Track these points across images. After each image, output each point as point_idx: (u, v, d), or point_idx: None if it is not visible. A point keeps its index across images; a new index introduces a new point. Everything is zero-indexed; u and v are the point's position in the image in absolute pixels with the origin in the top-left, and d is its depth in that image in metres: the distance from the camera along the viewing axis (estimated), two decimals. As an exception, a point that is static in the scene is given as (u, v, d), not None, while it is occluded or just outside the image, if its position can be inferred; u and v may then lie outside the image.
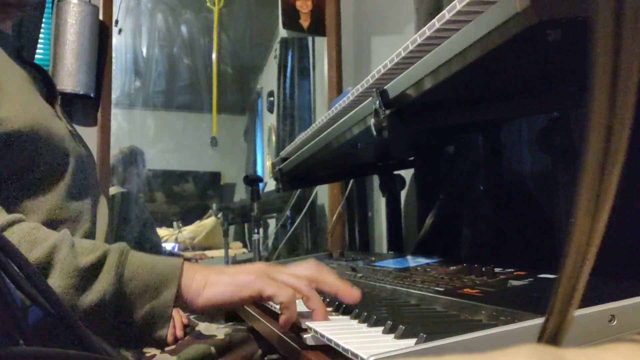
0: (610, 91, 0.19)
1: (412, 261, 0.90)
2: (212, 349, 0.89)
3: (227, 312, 1.14)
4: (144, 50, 3.88)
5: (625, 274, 0.58)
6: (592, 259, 0.21)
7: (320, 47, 2.30)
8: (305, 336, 0.52)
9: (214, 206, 3.22)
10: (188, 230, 3.43)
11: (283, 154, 1.28)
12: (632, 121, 0.20)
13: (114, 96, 1.88)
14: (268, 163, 3.35)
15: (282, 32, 2.05)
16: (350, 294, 0.60)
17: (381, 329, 0.46)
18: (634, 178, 0.55)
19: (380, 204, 1.56)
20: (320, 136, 0.95)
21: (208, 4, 3.66)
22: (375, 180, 1.51)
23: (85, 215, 0.75)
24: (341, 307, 0.61)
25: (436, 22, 0.51)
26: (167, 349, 0.89)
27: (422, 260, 0.87)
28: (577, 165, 0.20)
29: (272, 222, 2.92)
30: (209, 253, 3.09)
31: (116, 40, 3.50)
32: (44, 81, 0.81)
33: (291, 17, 1.99)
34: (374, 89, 0.68)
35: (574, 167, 0.65)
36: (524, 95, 0.67)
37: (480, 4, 0.46)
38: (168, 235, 3.41)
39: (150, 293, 0.58)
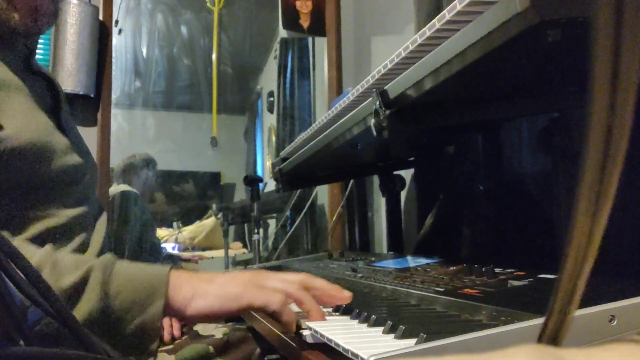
0: (610, 91, 0.19)
1: (412, 261, 0.90)
2: (211, 348, 0.88)
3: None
4: (144, 51, 3.88)
5: (625, 274, 0.58)
6: (592, 259, 0.21)
7: (320, 47, 2.30)
8: (305, 333, 0.52)
9: (214, 206, 3.22)
10: (188, 231, 3.43)
11: (283, 154, 1.28)
12: (632, 121, 0.20)
13: (114, 96, 1.88)
14: (268, 163, 3.35)
15: (282, 33, 2.05)
16: (342, 295, 0.60)
17: (381, 329, 0.46)
18: (634, 178, 0.55)
19: (380, 204, 1.56)
20: (320, 136, 0.95)
21: (208, 5, 3.66)
22: (375, 180, 1.51)
23: (82, 225, 0.75)
24: (341, 308, 0.61)
25: (436, 22, 0.51)
26: (165, 348, 0.89)
27: (422, 261, 0.87)
28: (577, 165, 0.20)
29: (272, 223, 2.92)
30: (208, 253, 3.09)
31: (116, 40, 3.50)
32: (50, 90, 0.82)
33: (291, 18, 1.99)
34: (374, 89, 0.68)
35: (574, 167, 0.65)
36: (524, 95, 0.67)
37: (481, 4, 0.46)
38: (168, 235, 3.41)
39: (137, 308, 0.57)
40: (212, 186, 4.26)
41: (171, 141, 4.00)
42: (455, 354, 0.22)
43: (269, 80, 3.40)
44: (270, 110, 3.23)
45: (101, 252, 0.76)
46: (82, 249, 0.75)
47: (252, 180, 1.70)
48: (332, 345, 0.45)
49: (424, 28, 0.53)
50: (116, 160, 2.65)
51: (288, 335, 0.59)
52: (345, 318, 0.57)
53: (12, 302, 0.39)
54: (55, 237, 0.71)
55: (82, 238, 0.74)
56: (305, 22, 2.00)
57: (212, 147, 4.09)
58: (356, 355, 0.38)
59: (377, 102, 0.66)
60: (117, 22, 3.27)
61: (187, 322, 0.65)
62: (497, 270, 0.63)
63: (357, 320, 0.53)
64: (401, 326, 0.43)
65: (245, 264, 2.11)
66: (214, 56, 3.80)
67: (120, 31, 3.59)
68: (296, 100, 2.74)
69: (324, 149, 0.95)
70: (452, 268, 0.71)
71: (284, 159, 1.26)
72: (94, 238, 0.79)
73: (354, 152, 1.00)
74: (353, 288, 0.67)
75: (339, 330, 0.49)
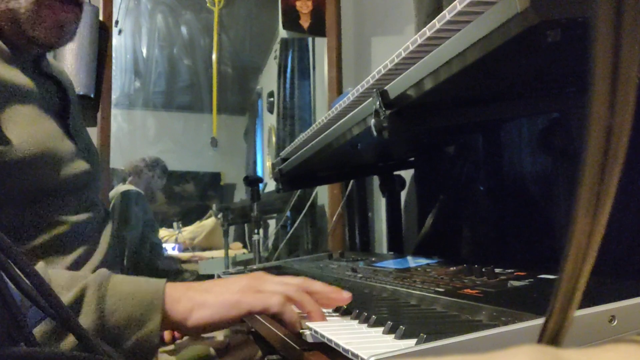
0: (610, 91, 0.19)
1: (412, 261, 0.90)
2: (211, 349, 0.88)
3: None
4: (144, 51, 3.89)
5: (625, 274, 0.58)
6: (592, 259, 0.21)
7: (321, 47, 2.31)
8: (305, 334, 0.52)
9: (214, 206, 3.22)
10: (188, 231, 3.43)
11: (283, 154, 1.28)
12: (632, 121, 0.20)
13: (114, 97, 1.88)
14: (268, 163, 3.35)
15: (282, 33, 2.05)
16: (341, 296, 0.60)
17: (381, 329, 0.46)
18: (634, 178, 0.55)
19: (380, 204, 1.56)
20: (321, 137, 0.95)
21: (208, 5, 3.67)
22: (376, 180, 1.52)
23: (86, 233, 0.75)
24: (341, 308, 0.61)
25: (436, 23, 0.51)
26: (166, 349, 0.89)
27: (422, 261, 0.87)
28: (577, 165, 0.20)
29: (272, 223, 2.92)
30: (208, 253, 3.10)
31: (116, 40, 3.50)
32: (59, 93, 0.81)
33: (291, 18, 1.99)
34: (374, 90, 0.68)
35: (574, 167, 0.65)
36: (524, 96, 0.67)
37: (481, 5, 0.46)
38: (168, 235, 3.41)
39: (134, 324, 0.56)
40: (212, 186, 4.26)
41: (171, 141, 4.00)
42: (455, 354, 0.22)
43: (269, 80, 3.40)
44: (271, 111, 3.23)
45: (101, 265, 0.76)
46: (83, 260, 0.75)
47: (252, 181, 1.70)
48: (332, 345, 0.45)
49: (424, 28, 0.54)
50: (116, 161, 2.65)
51: (288, 336, 0.59)
52: (346, 318, 0.57)
53: (12, 302, 0.39)
54: (59, 246, 0.70)
55: (84, 249, 0.74)
56: (305, 22, 2.00)
57: (212, 148, 4.09)
58: (356, 356, 0.38)
59: (377, 103, 0.66)
60: (117, 22, 3.28)
61: (189, 334, 0.65)
62: (497, 270, 0.63)
63: (357, 321, 0.53)
64: (401, 326, 0.43)
65: (245, 264, 2.12)
66: (214, 56, 3.80)
67: (120, 31, 3.59)
68: (296, 101, 2.75)
69: (324, 149, 0.95)
70: (452, 268, 0.71)
71: (284, 159, 1.26)
72: (98, 249, 0.78)
73: (354, 152, 1.00)
74: (353, 288, 0.67)
75: (339, 331, 0.49)
